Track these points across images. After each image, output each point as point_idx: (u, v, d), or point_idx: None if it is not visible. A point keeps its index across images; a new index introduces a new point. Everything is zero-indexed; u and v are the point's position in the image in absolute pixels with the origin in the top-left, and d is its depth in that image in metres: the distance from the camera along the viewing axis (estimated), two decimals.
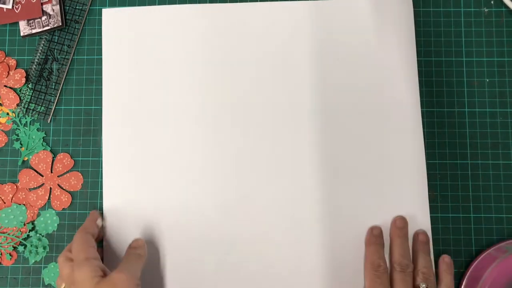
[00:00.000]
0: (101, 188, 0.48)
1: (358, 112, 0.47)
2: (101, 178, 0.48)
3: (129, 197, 0.47)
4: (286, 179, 0.46)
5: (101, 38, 0.49)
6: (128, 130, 0.48)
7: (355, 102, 0.47)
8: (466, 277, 0.45)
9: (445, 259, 0.45)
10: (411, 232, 0.45)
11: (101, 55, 0.49)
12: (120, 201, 0.47)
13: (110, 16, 0.49)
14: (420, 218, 0.45)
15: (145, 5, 0.50)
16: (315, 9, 0.48)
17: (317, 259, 0.45)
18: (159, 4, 0.50)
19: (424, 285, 0.42)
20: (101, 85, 0.49)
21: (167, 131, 0.47)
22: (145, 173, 0.47)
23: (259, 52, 0.48)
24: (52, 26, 0.50)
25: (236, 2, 0.50)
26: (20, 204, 0.48)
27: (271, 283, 0.45)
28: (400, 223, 0.45)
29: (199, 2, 0.50)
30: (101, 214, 0.47)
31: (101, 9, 0.50)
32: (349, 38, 0.48)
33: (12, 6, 0.50)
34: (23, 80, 0.49)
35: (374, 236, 0.44)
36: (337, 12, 0.48)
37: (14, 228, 0.48)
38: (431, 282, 0.42)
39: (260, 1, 0.50)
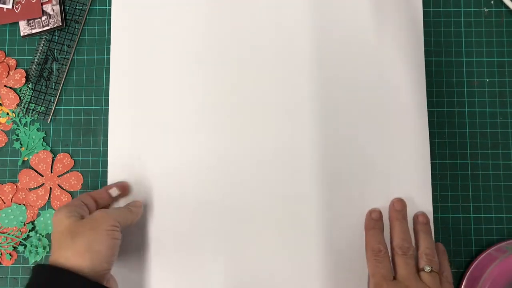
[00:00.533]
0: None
1: (361, 99, 0.47)
2: (101, 178, 0.48)
3: (133, 166, 0.47)
4: (286, 168, 0.46)
5: (101, 38, 0.50)
6: (134, 97, 0.48)
7: (358, 92, 0.47)
8: (466, 277, 0.45)
9: (439, 246, 0.45)
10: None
11: (101, 55, 0.49)
12: (124, 171, 0.47)
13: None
14: (422, 200, 0.46)
15: None
16: (316, 6, 0.48)
17: (318, 247, 0.45)
18: None
19: (428, 268, 0.41)
20: (101, 85, 0.49)
21: (171, 102, 0.48)
22: (149, 144, 0.47)
23: (260, 45, 0.48)
24: (52, 26, 0.50)
25: None
26: (20, 204, 0.48)
27: (271, 271, 0.45)
28: (398, 206, 0.45)
29: None
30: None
31: (101, 9, 0.50)
32: (352, 34, 0.48)
33: (12, 6, 0.50)
34: (23, 80, 0.49)
35: (373, 220, 0.45)
36: (340, 7, 0.48)
37: (14, 228, 0.48)
38: (435, 264, 0.42)
39: None
